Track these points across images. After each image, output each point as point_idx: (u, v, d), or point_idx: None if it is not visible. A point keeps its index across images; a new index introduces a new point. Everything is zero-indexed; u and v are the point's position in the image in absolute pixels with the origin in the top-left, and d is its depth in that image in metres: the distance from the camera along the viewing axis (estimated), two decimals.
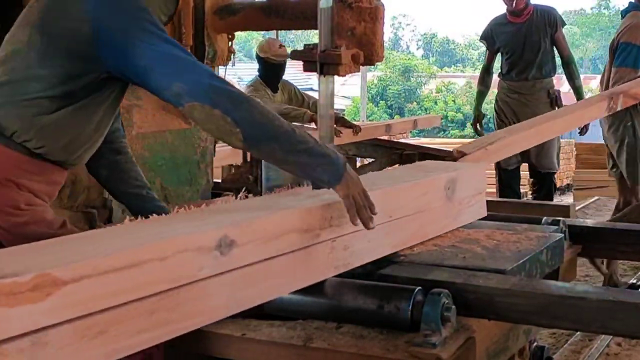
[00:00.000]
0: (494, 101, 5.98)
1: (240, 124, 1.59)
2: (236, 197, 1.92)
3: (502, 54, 5.78)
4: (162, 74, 1.65)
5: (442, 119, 26.05)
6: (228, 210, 1.60)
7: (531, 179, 5.92)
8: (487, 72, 6.03)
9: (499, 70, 5.93)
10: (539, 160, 5.53)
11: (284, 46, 5.46)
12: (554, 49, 5.64)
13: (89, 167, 2.11)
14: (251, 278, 1.46)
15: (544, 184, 5.63)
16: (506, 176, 5.64)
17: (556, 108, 5.50)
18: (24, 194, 1.81)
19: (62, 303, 1.09)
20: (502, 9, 5.75)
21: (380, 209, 1.73)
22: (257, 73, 5.56)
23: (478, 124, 5.88)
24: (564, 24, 5.71)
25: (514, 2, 5.49)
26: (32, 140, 1.80)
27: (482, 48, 6.03)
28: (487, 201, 2.40)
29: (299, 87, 6.12)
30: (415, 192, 2.00)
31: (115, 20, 1.71)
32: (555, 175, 6.17)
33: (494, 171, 5.75)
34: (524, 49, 5.56)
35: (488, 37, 5.82)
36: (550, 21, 5.55)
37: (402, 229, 1.94)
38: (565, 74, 5.78)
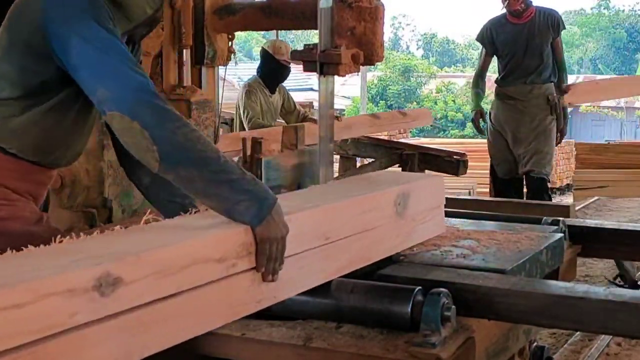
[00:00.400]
0: (488, 108, 5.73)
1: (158, 142, 1.46)
2: None
3: (500, 56, 5.52)
4: (89, 76, 1.59)
5: (440, 119, 26.12)
6: (114, 241, 1.31)
7: (525, 188, 5.58)
8: (481, 77, 5.72)
9: (496, 76, 5.67)
10: (532, 165, 5.29)
11: None
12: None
13: (130, 172, 2.03)
14: (145, 322, 1.21)
15: (537, 191, 5.37)
16: (502, 186, 5.44)
17: (555, 116, 5.35)
18: (0, 189, 1.81)
19: None
20: (499, 9, 5.53)
21: (315, 230, 1.57)
22: (257, 72, 5.54)
23: (481, 119, 5.56)
24: (564, 27, 5.58)
25: (507, 2, 5.29)
26: (5, 141, 1.80)
27: (482, 48, 5.70)
28: (488, 201, 2.40)
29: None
30: (357, 209, 1.74)
31: (62, 11, 1.66)
32: (551, 178, 5.99)
33: (488, 184, 5.64)
34: (525, 52, 5.34)
35: (486, 37, 5.54)
36: (554, 24, 5.38)
37: (341, 253, 1.69)
38: (559, 75, 5.60)
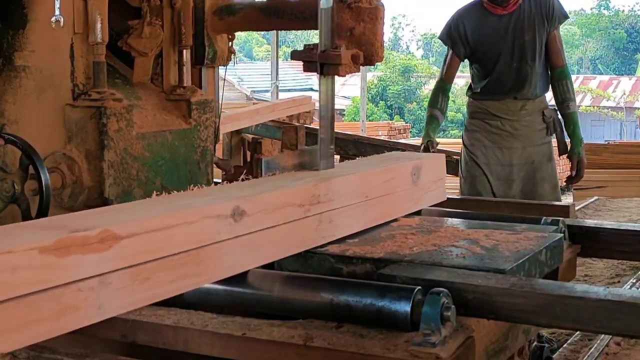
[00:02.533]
0: (462, 133, 4.16)
1: None
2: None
3: (474, 60, 4.00)
4: None
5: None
6: (239, 187, 1.86)
7: None
8: (443, 91, 4.03)
9: (468, 86, 4.13)
10: (528, 195, 3.86)
11: None
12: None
13: None
14: (258, 242, 1.71)
15: None
16: None
17: (553, 136, 3.94)
18: None
19: (119, 254, 1.37)
20: None
21: (358, 190, 2.06)
22: None
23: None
24: (565, 17, 3.94)
25: None
26: None
27: None
28: (487, 201, 2.43)
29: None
30: (386, 176, 2.23)
31: None
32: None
33: None
34: (512, 54, 3.86)
35: (456, 34, 3.93)
36: (548, 12, 3.84)
37: (375, 209, 2.17)
38: (556, 92, 3.94)
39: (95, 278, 1.31)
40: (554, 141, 3.99)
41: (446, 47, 4.03)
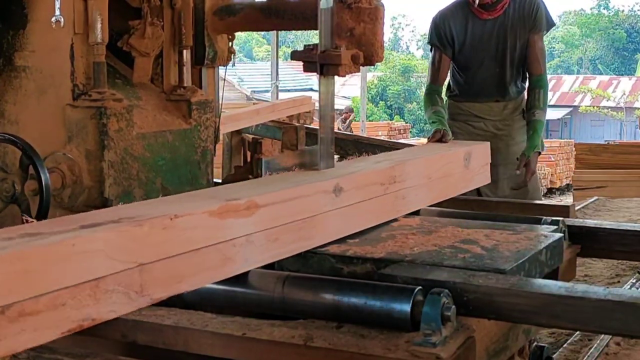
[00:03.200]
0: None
1: None
2: None
3: (456, 62, 3.91)
4: None
5: None
6: (336, 168, 2.19)
7: None
8: (437, 93, 3.84)
9: (447, 87, 4.01)
10: (518, 195, 3.74)
11: None
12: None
13: None
14: (352, 213, 2.04)
15: None
16: None
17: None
18: None
19: (259, 219, 1.69)
20: None
21: (422, 172, 2.40)
22: None
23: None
24: (550, 25, 3.89)
25: None
26: None
27: None
28: (488, 201, 2.45)
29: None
30: (444, 161, 2.58)
31: None
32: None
33: None
34: (495, 59, 3.81)
35: (442, 34, 3.86)
36: (530, 18, 3.76)
37: (436, 188, 2.50)
38: (528, 99, 3.82)
39: (243, 237, 1.64)
40: None
41: (433, 50, 3.92)
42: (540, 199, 4.10)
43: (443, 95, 3.91)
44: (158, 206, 1.58)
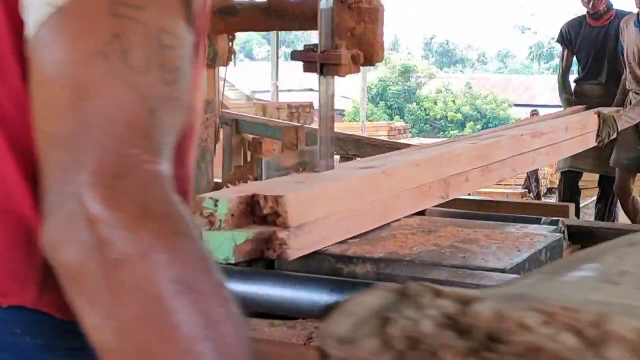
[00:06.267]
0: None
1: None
2: None
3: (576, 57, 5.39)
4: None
5: (440, 119, 26.09)
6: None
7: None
8: (566, 77, 5.51)
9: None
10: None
11: None
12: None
13: None
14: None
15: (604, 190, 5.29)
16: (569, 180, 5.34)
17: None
18: None
19: None
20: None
21: (475, 158, 2.58)
22: None
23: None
24: None
25: (591, 3, 5.13)
26: None
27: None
28: (488, 201, 2.43)
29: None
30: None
31: None
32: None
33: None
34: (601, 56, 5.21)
35: (566, 37, 5.37)
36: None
37: (493, 173, 2.75)
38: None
39: None
40: None
41: (562, 48, 5.46)
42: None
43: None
44: None
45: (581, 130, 3.92)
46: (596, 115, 4.21)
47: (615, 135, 4.51)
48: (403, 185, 2.17)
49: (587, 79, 5.30)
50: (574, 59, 5.42)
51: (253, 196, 1.77)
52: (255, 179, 3.33)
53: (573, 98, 5.24)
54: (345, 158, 5.77)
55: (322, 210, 1.86)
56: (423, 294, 0.53)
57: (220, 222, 1.69)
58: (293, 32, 27.21)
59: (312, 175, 2.08)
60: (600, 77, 5.22)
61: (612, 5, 5.24)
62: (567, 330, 0.49)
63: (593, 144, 4.11)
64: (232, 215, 1.72)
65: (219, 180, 3.53)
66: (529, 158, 3.14)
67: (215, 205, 1.70)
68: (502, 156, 2.80)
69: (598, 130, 4.42)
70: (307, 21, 2.93)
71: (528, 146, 3.11)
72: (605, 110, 4.67)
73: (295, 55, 2.69)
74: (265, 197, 1.72)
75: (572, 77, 5.51)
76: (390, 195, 2.15)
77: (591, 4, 5.15)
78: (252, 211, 1.75)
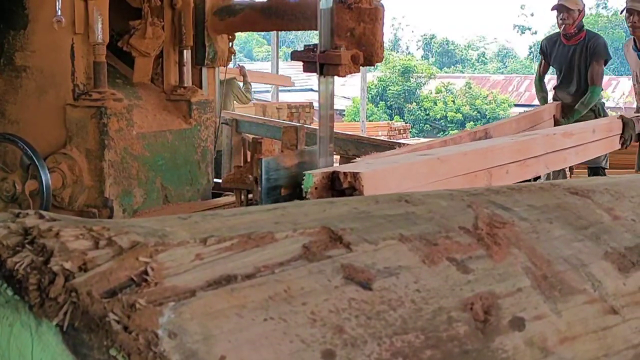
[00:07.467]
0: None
1: None
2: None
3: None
4: None
5: (440, 119, 26.04)
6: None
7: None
8: (542, 79, 6.40)
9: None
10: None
11: None
12: None
13: None
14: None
15: None
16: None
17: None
18: None
19: None
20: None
21: (513, 151, 2.76)
22: None
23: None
24: (601, 56, 6.04)
25: (564, 27, 5.94)
26: None
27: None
28: None
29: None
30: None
31: None
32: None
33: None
34: (571, 71, 6.00)
35: (544, 50, 6.27)
36: (589, 50, 6.00)
37: (534, 167, 2.95)
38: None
39: None
40: None
41: (540, 56, 6.38)
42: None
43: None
44: None
45: (607, 133, 4.22)
46: (620, 120, 4.62)
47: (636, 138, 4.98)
48: (455, 171, 2.44)
49: (561, 88, 6.20)
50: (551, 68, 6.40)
51: (333, 172, 2.01)
52: (255, 179, 3.34)
53: (548, 96, 6.26)
54: (345, 158, 5.77)
55: (391, 186, 2.12)
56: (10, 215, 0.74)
57: (306, 193, 1.96)
58: (293, 32, 27.18)
59: (380, 158, 2.39)
60: (570, 88, 6.08)
61: (583, 26, 6.17)
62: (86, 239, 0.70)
63: (617, 146, 4.48)
64: (316, 188, 1.96)
65: (219, 180, 3.52)
66: (561, 157, 3.39)
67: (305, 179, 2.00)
68: (537, 152, 3.04)
69: (622, 132, 4.87)
70: (307, 21, 2.94)
71: (560, 144, 3.33)
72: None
73: (295, 55, 2.70)
74: (345, 173, 1.96)
75: (553, 83, 6.34)
76: (445, 179, 2.41)
77: (563, 27, 6.02)
78: (332, 185, 2.00)
